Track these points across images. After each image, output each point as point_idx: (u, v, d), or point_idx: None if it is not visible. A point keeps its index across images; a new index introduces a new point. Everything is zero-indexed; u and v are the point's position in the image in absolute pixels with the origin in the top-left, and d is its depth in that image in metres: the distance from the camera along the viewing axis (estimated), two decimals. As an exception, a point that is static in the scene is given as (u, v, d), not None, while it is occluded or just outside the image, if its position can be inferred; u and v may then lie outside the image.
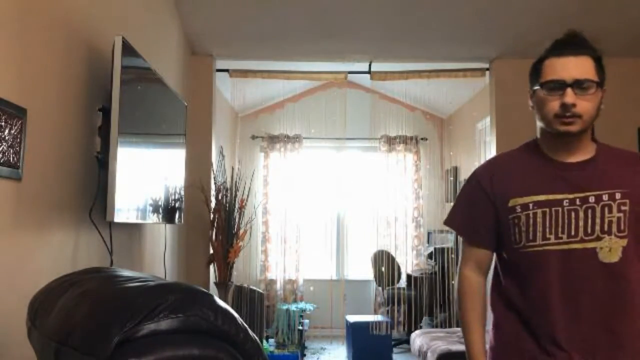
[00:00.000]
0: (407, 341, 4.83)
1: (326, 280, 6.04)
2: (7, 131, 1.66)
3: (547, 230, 1.37)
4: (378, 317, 5.10)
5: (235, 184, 4.14)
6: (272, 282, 6.05)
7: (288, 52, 4.31)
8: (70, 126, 2.11)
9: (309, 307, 5.56)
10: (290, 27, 3.89)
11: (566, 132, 1.36)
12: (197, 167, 4.02)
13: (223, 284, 3.90)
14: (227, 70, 4.49)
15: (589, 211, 1.35)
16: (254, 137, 6.28)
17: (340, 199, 6.27)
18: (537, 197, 1.38)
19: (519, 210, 1.40)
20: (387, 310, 5.50)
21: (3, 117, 1.64)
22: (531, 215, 1.38)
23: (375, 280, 5.74)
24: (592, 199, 1.35)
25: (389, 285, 5.60)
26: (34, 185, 1.84)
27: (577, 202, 1.36)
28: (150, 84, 2.67)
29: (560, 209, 1.36)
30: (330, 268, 6.20)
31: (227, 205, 4.02)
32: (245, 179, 4.37)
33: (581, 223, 1.35)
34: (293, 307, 5.38)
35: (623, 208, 1.34)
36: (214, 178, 4.18)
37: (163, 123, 2.89)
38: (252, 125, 6.29)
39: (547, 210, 1.37)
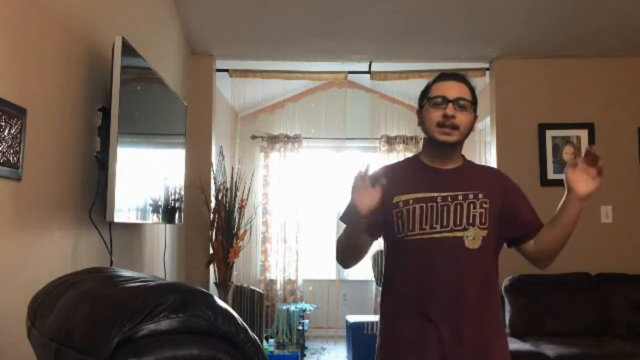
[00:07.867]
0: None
1: (326, 280, 6.04)
2: (7, 131, 1.66)
3: (424, 221, 1.62)
4: (378, 317, 5.09)
5: (235, 184, 4.14)
6: (272, 282, 6.05)
7: (288, 52, 4.31)
8: (70, 126, 2.11)
9: (309, 307, 5.55)
10: (290, 27, 3.89)
11: (445, 142, 1.64)
12: (197, 167, 4.02)
13: (223, 284, 3.90)
14: (227, 70, 4.49)
15: (458, 207, 1.62)
16: (253, 137, 6.28)
17: (340, 199, 6.26)
18: (416, 195, 1.64)
19: (401, 205, 1.64)
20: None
21: (3, 117, 1.65)
22: (411, 209, 1.63)
23: (375, 280, 5.74)
24: (460, 197, 1.63)
25: (388, 285, 5.59)
26: (33, 185, 1.84)
27: (449, 199, 1.63)
28: (150, 84, 2.67)
29: (434, 205, 1.62)
30: (330, 268, 6.20)
31: (227, 205, 4.02)
32: (245, 179, 4.36)
33: (451, 216, 1.62)
34: (293, 307, 5.38)
35: (484, 205, 1.64)
36: (214, 178, 4.18)
37: (163, 123, 2.89)
38: (252, 125, 6.28)
39: (424, 205, 1.62)
